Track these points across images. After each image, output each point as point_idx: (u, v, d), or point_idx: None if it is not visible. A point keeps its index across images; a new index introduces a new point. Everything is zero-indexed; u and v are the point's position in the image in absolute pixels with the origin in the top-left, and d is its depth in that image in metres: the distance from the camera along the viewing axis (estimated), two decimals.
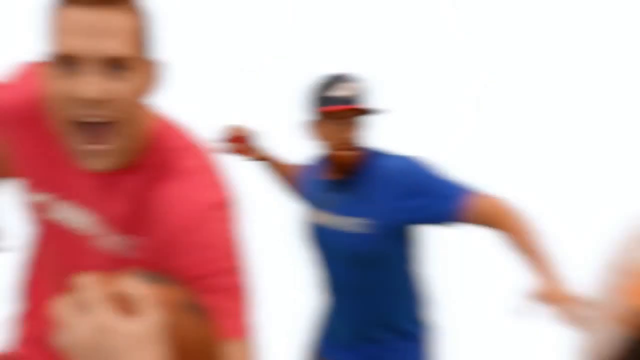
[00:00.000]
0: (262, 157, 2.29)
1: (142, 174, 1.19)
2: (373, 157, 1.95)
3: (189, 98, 9.46)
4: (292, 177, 2.32)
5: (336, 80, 1.89)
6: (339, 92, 1.86)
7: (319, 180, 2.08)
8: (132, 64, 1.10)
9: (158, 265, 1.19)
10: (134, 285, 0.78)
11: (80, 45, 1.05)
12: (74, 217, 1.25)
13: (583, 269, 5.04)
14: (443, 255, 5.48)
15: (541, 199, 6.57)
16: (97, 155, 1.12)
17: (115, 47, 1.06)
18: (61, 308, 0.77)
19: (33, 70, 1.28)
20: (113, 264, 1.24)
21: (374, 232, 1.91)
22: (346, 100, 1.86)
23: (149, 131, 1.20)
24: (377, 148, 2.01)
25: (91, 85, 1.06)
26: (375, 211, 1.89)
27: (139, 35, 1.11)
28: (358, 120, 1.88)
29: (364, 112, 1.88)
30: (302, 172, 2.23)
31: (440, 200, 1.82)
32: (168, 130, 1.22)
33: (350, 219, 1.94)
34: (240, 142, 2.24)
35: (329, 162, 1.96)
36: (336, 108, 1.84)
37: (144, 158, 1.20)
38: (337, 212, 1.97)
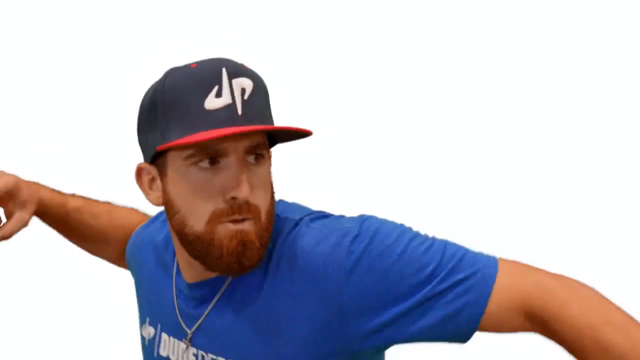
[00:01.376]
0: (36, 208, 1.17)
1: None
2: (283, 233, 0.95)
3: None
4: (113, 229, 1.30)
5: (217, 77, 0.89)
6: (225, 98, 0.88)
7: (165, 271, 1.11)
8: None
9: None
10: None
11: None
12: None
13: None
14: None
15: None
16: None
17: None
18: None
19: None
20: None
21: None
22: (245, 116, 0.89)
23: None
24: (284, 207, 1.03)
25: None
26: (287, 347, 0.91)
27: None
28: (266, 158, 0.93)
29: (285, 136, 0.94)
30: (143, 230, 1.22)
31: (450, 291, 0.87)
32: None
33: None
34: None
35: (192, 249, 0.93)
36: (229, 131, 0.84)
37: None
38: (199, 343, 1.00)
